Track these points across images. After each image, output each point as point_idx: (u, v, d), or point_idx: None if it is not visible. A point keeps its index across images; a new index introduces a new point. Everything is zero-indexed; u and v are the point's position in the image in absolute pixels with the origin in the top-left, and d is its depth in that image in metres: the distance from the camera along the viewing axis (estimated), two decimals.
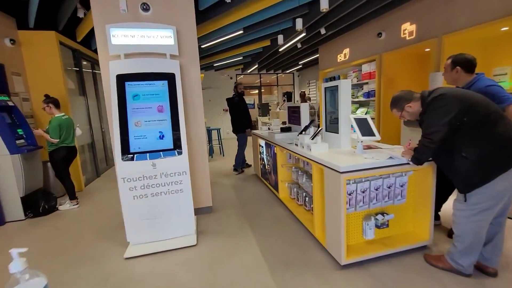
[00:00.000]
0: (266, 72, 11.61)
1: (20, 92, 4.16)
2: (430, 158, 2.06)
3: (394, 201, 2.30)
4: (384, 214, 2.29)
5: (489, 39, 3.59)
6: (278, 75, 12.34)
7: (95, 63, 6.13)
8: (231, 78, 11.27)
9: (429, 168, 2.22)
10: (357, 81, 5.80)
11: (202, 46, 6.14)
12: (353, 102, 5.79)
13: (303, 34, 5.62)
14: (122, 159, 2.56)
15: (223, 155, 7.43)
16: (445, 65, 2.38)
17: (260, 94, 12.41)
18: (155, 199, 2.65)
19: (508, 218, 2.16)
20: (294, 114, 3.86)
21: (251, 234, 2.86)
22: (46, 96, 3.76)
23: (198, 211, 3.36)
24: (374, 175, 2.16)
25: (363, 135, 2.35)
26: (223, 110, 11.18)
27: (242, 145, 5.39)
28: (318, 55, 7.87)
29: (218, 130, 7.49)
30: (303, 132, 2.86)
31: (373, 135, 2.38)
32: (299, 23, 4.22)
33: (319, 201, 2.49)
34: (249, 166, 5.78)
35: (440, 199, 2.59)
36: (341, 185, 2.00)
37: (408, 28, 4.34)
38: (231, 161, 6.34)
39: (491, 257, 1.96)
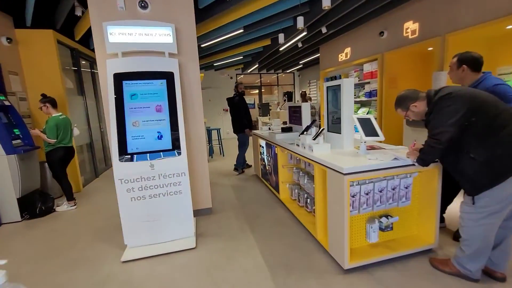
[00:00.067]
0: (266, 72, 11.55)
1: (17, 92, 4.10)
2: (436, 159, 2.00)
3: (398, 203, 2.24)
4: (388, 217, 2.23)
5: (494, 37, 3.53)
6: (279, 75, 12.28)
7: (93, 63, 6.07)
8: (231, 78, 11.21)
9: (434, 169, 2.16)
10: (359, 80, 5.73)
11: (202, 46, 6.08)
12: (354, 102, 5.72)
13: (304, 33, 5.55)
14: (120, 159, 2.50)
15: (223, 155, 7.37)
16: (450, 63, 2.31)
17: (260, 94, 12.35)
18: (153, 201, 2.59)
19: None
20: (295, 114, 3.79)
21: (251, 236, 2.80)
22: (43, 95, 3.70)
23: (197, 213, 3.30)
24: (378, 177, 2.09)
25: (366, 135, 2.29)
26: (223, 110, 11.12)
27: (243, 145, 5.33)
28: (318, 54, 7.81)
29: (218, 130, 7.43)
30: (305, 133, 2.80)
31: (377, 135, 2.32)
32: (300, 21, 4.15)
33: (321, 203, 2.43)
34: (249, 166, 5.72)
35: (445, 201, 2.53)
36: (345, 187, 1.94)
37: (411, 27, 4.28)
38: (231, 161, 6.28)
39: (500, 261, 1.90)
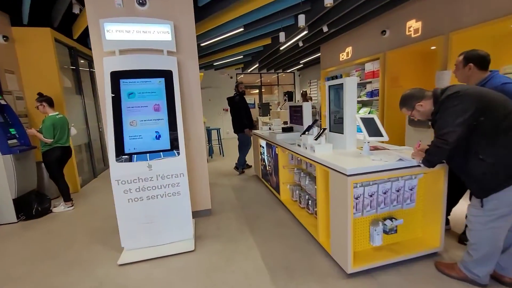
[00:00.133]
0: (266, 72, 11.49)
1: (14, 91, 4.03)
2: (443, 160, 1.94)
3: (403, 205, 2.18)
4: (393, 219, 2.17)
5: (498, 36, 3.46)
6: (279, 74, 12.22)
7: (92, 61, 5.92)
8: (231, 77, 11.15)
9: (440, 170, 2.10)
10: (360, 80, 5.67)
11: (202, 45, 6.02)
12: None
13: (305, 32, 5.49)
14: (116, 160, 2.44)
15: (223, 155, 7.31)
16: (456, 62, 2.24)
17: (260, 93, 12.29)
18: (151, 202, 2.52)
19: None
20: (296, 114, 3.73)
21: (251, 239, 2.74)
22: (40, 94, 3.64)
23: (196, 214, 3.23)
24: (382, 178, 2.03)
25: (370, 135, 2.23)
26: (223, 109, 11.06)
27: (245, 145, 5.28)
28: (319, 54, 7.75)
29: (218, 130, 7.37)
30: (306, 133, 2.74)
31: (381, 135, 2.26)
32: (301, 19, 4.09)
33: (324, 205, 2.37)
34: (249, 167, 5.66)
35: (450, 203, 2.46)
36: (348, 189, 1.88)
37: (413, 26, 4.22)
38: (231, 161, 6.23)
39: (508, 266, 1.84)
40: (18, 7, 3.88)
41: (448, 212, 2.59)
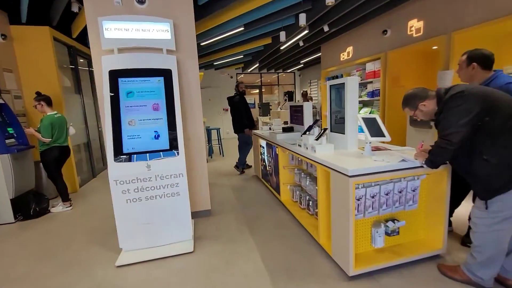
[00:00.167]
0: (267, 72, 11.46)
1: (12, 90, 4.00)
2: (446, 161, 1.91)
3: (405, 207, 2.15)
4: (395, 221, 2.13)
5: (501, 36, 3.43)
6: (279, 74, 12.18)
7: (91, 60, 5.96)
8: (231, 77, 11.12)
9: (443, 171, 2.07)
10: (361, 80, 5.64)
11: (202, 44, 5.99)
12: None
13: (306, 31, 5.46)
14: (115, 160, 2.40)
15: (223, 155, 7.28)
16: (459, 61, 2.21)
17: (260, 93, 12.26)
18: (149, 203, 2.49)
19: None
20: (296, 114, 3.70)
21: (251, 240, 2.71)
22: (38, 93, 3.61)
23: (195, 215, 3.20)
24: (385, 179, 2.00)
25: (372, 136, 2.20)
26: (223, 109, 11.04)
27: (246, 145, 5.26)
28: (320, 53, 7.72)
29: (218, 130, 7.34)
30: (307, 133, 2.71)
31: (383, 135, 2.23)
32: (302, 18, 4.06)
33: (324, 206, 2.34)
34: (249, 167, 5.63)
35: (452, 204, 2.43)
36: (350, 190, 1.85)
37: (415, 25, 4.18)
38: (231, 161, 6.20)
39: None
40: (17, 5, 3.85)
41: (451, 213, 2.55)
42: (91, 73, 6.00)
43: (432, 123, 3.82)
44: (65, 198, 3.80)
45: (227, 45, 6.61)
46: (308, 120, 3.37)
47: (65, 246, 2.76)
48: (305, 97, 8.02)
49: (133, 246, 2.51)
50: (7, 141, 3.41)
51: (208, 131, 7.15)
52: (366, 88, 5.51)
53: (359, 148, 2.50)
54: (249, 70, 10.68)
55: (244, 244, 2.63)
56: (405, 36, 4.42)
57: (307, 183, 2.93)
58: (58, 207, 3.76)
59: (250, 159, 5.53)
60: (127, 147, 2.46)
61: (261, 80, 12.14)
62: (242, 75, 11.48)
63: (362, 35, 5.59)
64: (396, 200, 2.11)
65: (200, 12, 4.39)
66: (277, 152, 3.54)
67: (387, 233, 2.12)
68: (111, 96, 2.46)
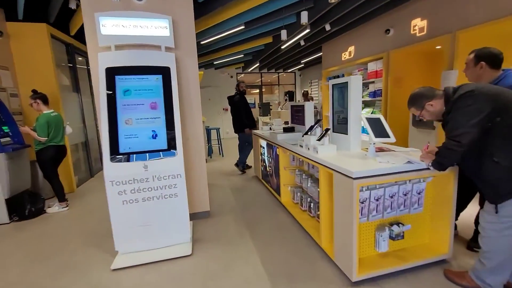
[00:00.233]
0: (267, 71, 11.39)
1: (8, 87, 3.93)
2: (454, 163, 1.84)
3: (410, 210, 2.08)
4: (400, 225, 2.06)
5: (508, 35, 3.35)
6: (279, 74, 12.11)
7: None
8: (231, 76, 11.05)
9: (450, 173, 2.00)
10: (363, 80, 5.56)
11: (202, 43, 5.91)
12: None
13: (307, 30, 5.38)
14: (111, 160, 2.33)
15: (222, 156, 7.20)
16: (467, 60, 2.15)
17: (261, 93, 12.19)
18: (146, 204, 2.42)
19: None
20: (297, 114, 3.63)
21: (251, 242, 2.64)
22: (34, 91, 3.53)
23: (194, 216, 3.13)
24: (390, 181, 1.93)
25: (376, 136, 2.13)
26: (223, 109, 10.97)
27: (245, 145, 5.20)
28: (321, 53, 7.65)
29: (218, 129, 7.27)
30: (309, 133, 2.64)
31: (387, 136, 2.16)
32: (304, 16, 3.98)
33: (327, 208, 2.27)
34: (249, 167, 5.56)
35: (458, 207, 2.35)
36: (354, 192, 1.78)
37: (418, 24, 4.12)
38: (231, 161, 6.13)
39: None
40: (13, 2, 3.77)
41: (456, 216, 2.48)
42: (89, 72, 5.92)
43: (436, 124, 3.81)
44: (62, 198, 3.73)
45: (227, 44, 6.53)
46: (309, 120, 3.30)
47: (60, 248, 2.69)
48: (306, 97, 7.95)
49: (129, 249, 2.44)
50: (2, 140, 3.35)
51: (208, 131, 7.08)
52: (368, 88, 5.45)
53: (363, 149, 2.43)
54: (249, 70, 10.61)
55: (243, 247, 2.56)
56: (408, 36, 4.35)
57: (308, 185, 2.87)
58: (54, 208, 3.68)
59: (250, 159, 5.47)
60: (123, 147, 2.39)
61: (261, 80, 12.07)
62: (242, 75, 11.41)
63: (364, 34, 5.52)
64: (401, 203, 2.04)
65: (200, 10, 4.32)
66: (277, 153, 3.47)
67: (391, 237, 2.05)
68: (108, 94, 2.39)
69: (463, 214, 2.46)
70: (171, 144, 2.49)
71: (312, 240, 2.58)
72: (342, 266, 2.04)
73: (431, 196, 2.18)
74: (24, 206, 3.44)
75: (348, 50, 6.11)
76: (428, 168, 1.87)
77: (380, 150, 2.41)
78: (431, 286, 1.91)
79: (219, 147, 7.35)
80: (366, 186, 1.89)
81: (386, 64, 4.79)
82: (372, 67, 5.23)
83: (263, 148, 4.26)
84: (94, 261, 2.43)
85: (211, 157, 7.02)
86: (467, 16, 3.39)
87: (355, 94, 2.35)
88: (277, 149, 3.44)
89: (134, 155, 2.39)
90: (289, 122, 3.94)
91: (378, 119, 2.28)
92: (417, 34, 4.16)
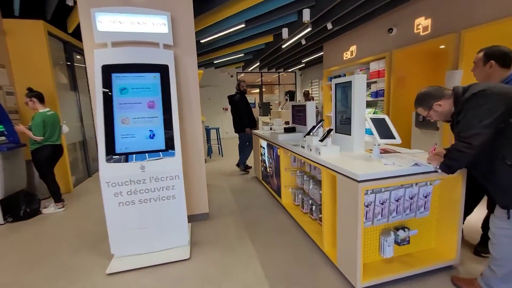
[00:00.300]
0: (267, 71, 11.31)
1: (4, 86, 3.85)
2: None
3: (416, 214, 2.01)
4: (405, 229, 1.99)
5: None
6: (280, 74, 12.04)
7: None
8: (231, 76, 10.97)
9: (458, 176, 1.92)
10: None
11: (201, 41, 5.84)
12: None
13: (309, 29, 5.31)
14: (107, 160, 2.26)
15: (222, 156, 7.13)
16: (475, 59, 2.07)
17: (261, 93, 12.11)
18: (143, 206, 2.34)
19: None
20: (298, 114, 3.56)
21: (251, 246, 2.57)
22: (29, 89, 3.45)
23: (192, 218, 3.06)
24: (395, 185, 1.86)
25: (381, 137, 2.06)
26: (223, 109, 10.90)
27: (245, 145, 5.13)
28: (322, 52, 7.58)
29: (217, 129, 7.20)
30: (311, 133, 2.57)
31: (393, 137, 2.09)
32: (306, 13, 3.91)
33: (329, 211, 2.20)
34: (249, 167, 5.47)
35: (464, 211, 2.29)
36: (359, 196, 1.71)
37: (422, 23, 4.04)
38: (230, 161, 6.06)
39: None
40: None
41: (462, 221, 2.41)
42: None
43: (439, 125, 3.73)
44: (58, 198, 3.65)
45: (228, 43, 6.46)
46: (311, 120, 3.23)
47: (55, 251, 2.62)
48: (307, 96, 7.87)
49: (125, 252, 2.37)
50: None
51: (207, 131, 7.01)
52: (370, 88, 5.37)
53: (366, 151, 2.36)
54: (249, 69, 10.54)
55: (243, 251, 2.48)
56: (411, 35, 4.28)
57: (310, 187, 2.79)
58: (50, 208, 3.61)
59: (249, 160, 5.39)
60: (120, 147, 2.32)
61: (261, 80, 12.00)
62: (242, 74, 11.33)
63: (366, 34, 5.45)
64: (407, 206, 1.97)
65: (200, 7, 4.25)
66: (278, 153, 3.40)
67: (396, 242, 1.98)
68: (104, 93, 2.31)
69: (469, 218, 2.38)
70: (169, 144, 2.42)
71: (313, 244, 2.51)
72: (346, 272, 1.97)
73: (437, 199, 2.10)
74: (19, 207, 3.37)
75: (350, 50, 6.04)
76: (435, 171, 1.80)
77: (385, 151, 2.34)
78: None
79: (218, 147, 7.28)
80: (371, 189, 1.82)
81: (389, 64, 4.71)
82: (374, 66, 5.16)
83: (263, 148, 4.18)
84: (89, 264, 2.36)
85: (210, 157, 6.95)
86: (473, 15, 3.32)
87: (359, 94, 2.27)
88: (278, 150, 3.37)
89: (131, 155, 2.32)
90: (290, 122, 3.87)
91: (383, 119, 2.21)
92: (421, 33, 4.09)
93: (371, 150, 2.23)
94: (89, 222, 3.26)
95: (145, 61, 2.44)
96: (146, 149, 2.36)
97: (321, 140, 2.36)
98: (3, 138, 3.42)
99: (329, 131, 2.37)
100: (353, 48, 5.93)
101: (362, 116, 2.30)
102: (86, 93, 5.71)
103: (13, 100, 4.01)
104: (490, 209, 2.16)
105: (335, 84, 2.57)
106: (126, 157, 2.30)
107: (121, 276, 2.17)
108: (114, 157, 2.28)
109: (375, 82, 5.18)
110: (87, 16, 2.46)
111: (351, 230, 1.83)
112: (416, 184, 1.92)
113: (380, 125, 2.15)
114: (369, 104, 5.50)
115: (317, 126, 2.59)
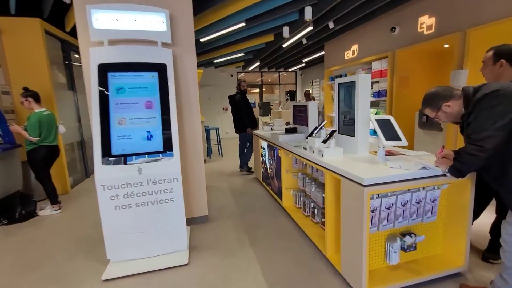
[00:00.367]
0: (268, 71, 11.23)
1: (0, 85, 3.77)
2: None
3: (423, 219, 1.94)
4: (412, 235, 1.92)
5: None
6: (280, 73, 11.96)
7: None
8: (231, 75, 10.90)
9: (467, 179, 1.85)
10: None
11: (201, 40, 5.76)
12: None
13: (310, 28, 5.23)
14: (102, 162, 2.18)
15: (222, 156, 7.06)
16: (484, 58, 1.99)
17: (261, 93, 12.04)
18: (140, 210, 2.27)
19: None
20: (300, 114, 3.48)
21: (251, 250, 2.49)
22: (25, 89, 3.37)
23: (191, 221, 2.98)
24: (402, 189, 1.78)
25: (387, 139, 1.99)
26: (223, 108, 10.82)
27: (246, 146, 5.06)
28: (323, 52, 7.50)
29: (217, 129, 7.13)
30: (313, 135, 2.49)
31: (399, 139, 2.02)
32: (308, 11, 3.83)
33: (333, 216, 2.12)
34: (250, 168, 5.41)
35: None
36: (365, 201, 1.63)
37: (426, 22, 3.97)
38: (230, 162, 6.00)
39: None
40: None
41: (471, 225, 2.34)
42: None
43: (443, 125, 3.66)
44: (54, 200, 3.58)
45: (228, 42, 6.38)
46: (313, 121, 3.15)
47: (50, 255, 2.54)
48: (308, 96, 7.80)
49: (121, 257, 2.30)
50: None
51: (207, 131, 6.94)
52: (372, 88, 5.30)
53: (371, 153, 2.28)
54: (249, 69, 10.46)
55: (243, 256, 2.41)
56: (415, 34, 4.20)
57: (312, 189, 2.72)
58: (46, 210, 3.53)
59: (250, 161, 5.33)
60: (116, 149, 2.25)
61: (261, 79, 11.92)
62: (242, 74, 11.26)
63: (368, 33, 5.37)
64: (414, 211, 1.90)
65: (200, 5, 4.17)
66: (279, 155, 3.32)
67: (403, 249, 1.91)
68: (100, 92, 2.24)
69: (476, 222, 2.31)
70: (167, 146, 2.34)
71: (315, 248, 2.44)
72: (350, 279, 1.89)
73: (445, 204, 2.03)
74: (15, 209, 3.30)
75: (352, 49, 5.96)
76: (444, 175, 1.72)
77: (389, 153, 2.26)
78: None
79: (218, 147, 7.20)
80: (377, 194, 1.74)
81: (392, 64, 4.64)
82: (376, 66, 5.08)
83: (264, 149, 4.11)
84: (85, 270, 2.28)
85: (210, 158, 6.87)
86: (479, 13, 3.24)
87: (363, 94, 2.21)
88: (279, 151, 3.29)
89: (128, 157, 2.25)
90: (291, 123, 3.79)
91: (389, 120, 2.14)
92: (425, 32, 4.01)
93: (376, 152, 2.16)
94: (86, 224, 3.19)
95: (142, 60, 2.37)
96: (144, 151, 2.29)
97: (324, 142, 2.28)
98: None
99: (332, 132, 2.29)
100: (355, 47, 5.85)
101: (366, 117, 2.23)
102: (84, 92, 5.62)
103: (9, 100, 3.93)
104: (500, 213, 2.09)
105: (338, 84, 2.50)
106: (122, 159, 2.22)
107: (117, 283, 2.10)
108: (110, 159, 2.20)
109: (377, 82, 5.10)
110: (82, 13, 2.39)
111: (356, 236, 1.76)
112: (423, 188, 1.85)
113: (385, 126, 2.08)
114: (371, 104, 5.43)
115: (319, 127, 2.52)
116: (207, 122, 8.38)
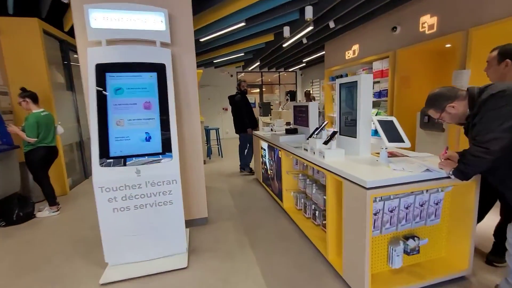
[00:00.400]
0: (268, 70, 11.19)
1: None
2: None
3: (426, 222, 1.90)
4: (415, 238, 1.88)
5: None
6: (280, 73, 11.93)
7: None
8: (231, 75, 10.86)
9: (472, 182, 1.81)
10: None
11: (201, 40, 5.72)
12: None
13: (310, 28, 5.19)
14: (100, 164, 2.15)
15: (222, 156, 7.02)
16: (488, 58, 1.96)
17: (261, 93, 12.00)
18: (139, 212, 2.23)
19: None
20: (300, 115, 3.45)
21: (251, 252, 2.46)
22: (23, 89, 3.34)
23: (190, 223, 2.95)
24: (406, 191, 1.75)
25: (390, 141, 1.95)
26: (223, 109, 10.78)
27: (248, 145, 5.04)
28: (323, 52, 7.46)
29: (217, 130, 7.09)
30: (314, 136, 2.46)
31: (402, 141, 1.98)
32: (309, 11, 3.79)
33: (334, 218, 2.09)
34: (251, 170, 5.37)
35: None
36: (367, 204, 1.60)
37: (428, 21, 3.93)
38: (230, 162, 5.96)
39: None
40: None
41: (475, 228, 2.30)
42: None
43: (445, 126, 3.62)
44: (52, 202, 3.54)
45: (228, 42, 6.34)
46: (313, 121, 3.12)
47: (47, 258, 2.51)
48: (308, 97, 7.76)
49: (120, 261, 2.26)
50: None
51: (207, 131, 6.91)
52: (373, 88, 5.26)
53: (373, 154, 2.25)
54: (249, 69, 10.43)
55: (243, 258, 2.38)
56: (416, 33, 4.16)
57: (313, 191, 2.68)
58: (44, 212, 3.50)
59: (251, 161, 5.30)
60: (114, 150, 2.21)
61: (261, 79, 11.89)
62: (242, 74, 11.22)
63: (369, 32, 5.34)
64: (417, 214, 1.86)
65: (199, 5, 4.14)
66: (279, 156, 3.29)
67: (406, 252, 1.88)
68: (97, 92, 2.20)
69: (480, 225, 2.27)
70: (166, 147, 2.31)
71: (316, 250, 2.40)
72: (352, 283, 1.86)
73: (448, 206, 2.00)
74: (12, 211, 3.26)
75: (352, 49, 5.93)
76: (448, 177, 1.69)
77: (392, 155, 2.23)
78: None
79: (218, 147, 7.17)
80: (380, 197, 1.71)
81: (393, 64, 4.60)
82: (377, 66, 5.05)
83: (264, 150, 4.08)
84: (82, 273, 2.25)
85: (210, 158, 6.84)
86: (482, 12, 3.20)
87: (366, 94, 2.17)
88: (279, 152, 3.26)
89: (126, 159, 2.21)
90: (292, 123, 3.76)
91: (391, 121, 2.10)
92: (426, 32, 3.98)
93: (378, 153, 2.12)
94: (84, 226, 3.15)
95: (141, 60, 2.33)
96: (142, 152, 2.25)
97: (325, 143, 2.25)
98: None
99: (334, 133, 2.25)
100: (356, 47, 5.82)
101: (368, 118, 2.19)
102: (83, 92, 5.60)
103: (7, 100, 3.90)
104: (504, 216, 2.06)
105: (340, 84, 2.47)
106: (120, 160, 2.19)
107: (115, 287, 2.06)
108: (108, 160, 2.17)
109: (378, 82, 5.07)
110: (80, 12, 2.35)
111: (358, 239, 1.72)
112: (427, 190, 1.81)
113: (388, 127, 2.04)
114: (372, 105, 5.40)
115: (320, 128, 2.48)
116: (207, 122, 8.35)
